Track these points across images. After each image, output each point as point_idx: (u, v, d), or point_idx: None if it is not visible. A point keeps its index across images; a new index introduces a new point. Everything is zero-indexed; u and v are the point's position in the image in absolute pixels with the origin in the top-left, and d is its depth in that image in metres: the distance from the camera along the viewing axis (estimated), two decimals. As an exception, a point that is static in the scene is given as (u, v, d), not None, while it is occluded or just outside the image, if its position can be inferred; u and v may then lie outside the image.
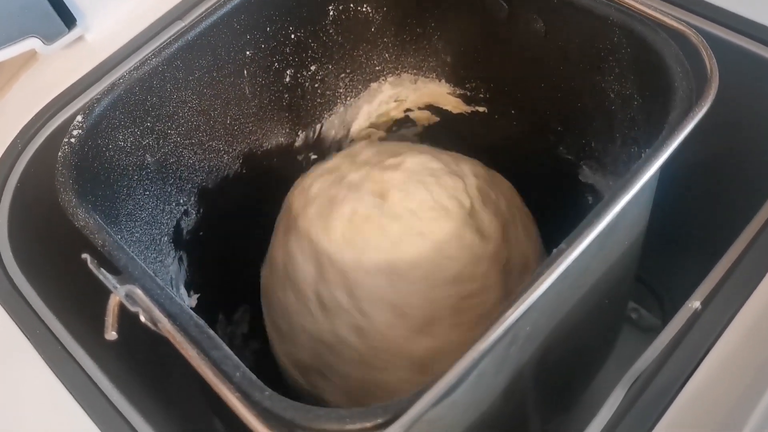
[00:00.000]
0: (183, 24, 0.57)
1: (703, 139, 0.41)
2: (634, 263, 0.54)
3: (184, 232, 0.59)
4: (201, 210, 0.60)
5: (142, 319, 0.38)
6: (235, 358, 0.37)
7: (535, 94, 0.58)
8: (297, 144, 0.65)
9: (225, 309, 0.67)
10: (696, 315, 0.39)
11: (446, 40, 0.61)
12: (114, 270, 0.42)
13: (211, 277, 0.63)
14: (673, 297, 0.69)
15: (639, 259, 0.54)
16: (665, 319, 0.70)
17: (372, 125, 0.69)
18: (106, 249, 0.42)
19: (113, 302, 0.39)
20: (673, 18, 0.44)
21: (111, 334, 0.38)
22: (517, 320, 0.34)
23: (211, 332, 0.39)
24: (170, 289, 0.57)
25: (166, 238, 0.58)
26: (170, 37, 0.52)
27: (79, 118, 0.49)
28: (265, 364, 0.63)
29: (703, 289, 0.40)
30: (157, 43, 0.56)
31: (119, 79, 0.50)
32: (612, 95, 0.51)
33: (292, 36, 0.58)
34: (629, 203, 0.38)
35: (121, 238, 0.51)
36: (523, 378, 0.47)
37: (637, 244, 0.50)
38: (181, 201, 0.58)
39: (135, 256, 0.43)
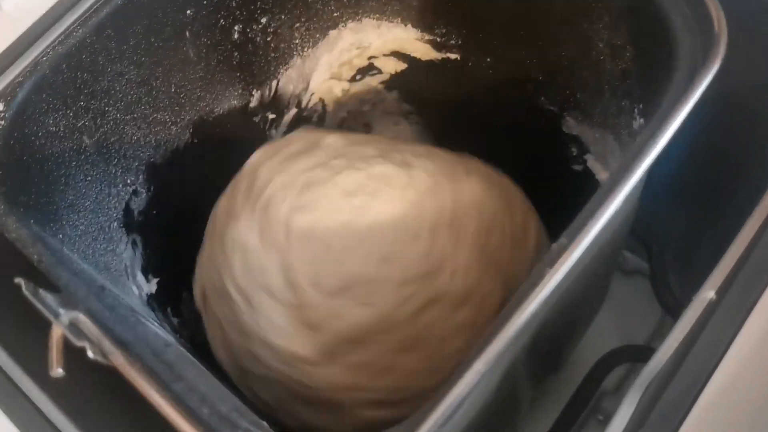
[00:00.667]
0: (110, -17, 0.50)
1: (711, 102, 0.36)
2: (629, 226, 0.50)
3: (135, 213, 0.54)
4: (151, 188, 0.55)
5: (90, 354, 0.33)
6: (203, 389, 0.33)
7: (513, 41, 0.53)
8: (252, 105, 0.60)
9: (187, 286, 0.62)
10: (712, 306, 0.35)
11: (412, -18, 0.55)
12: (54, 288, 0.37)
13: (169, 256, 0.58)
14: (659, 240, 0.66)
15: (634, 220, 0.50)
16: (652, 262, 0.67)
17: (333, 76, 0.64)
18: (43, 265, 0.37)
19: (55, 335, 0.34)
20: (672, -38, 0.39)
21: (56, 371, 0.34)
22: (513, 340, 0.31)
23: (174, 356, 0.34)
24: (125, 279, 0.53)
25: (115, 224, 0.53)
26: (97, 3, 0.45)
27: (-1, 107, 0.43)
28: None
29: (716, 276, 0.36)
30: (82, 10, 0.49)
31: (42, 57, 0.44)
32: (600, 45, 0.46)
33: (238, -13, 0.52)
34: (633, 188, 0.34)
35: (64, 236, 0.46)
36: (517, 359, 0.44)
37: (634, 210, 0.47)
38: (129, 181, 0.53)
39: (79, 266, 0.38)
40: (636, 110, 0.46)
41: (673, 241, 0.62)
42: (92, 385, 0.41)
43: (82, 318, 0.35)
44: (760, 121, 0.49)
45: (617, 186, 0.34)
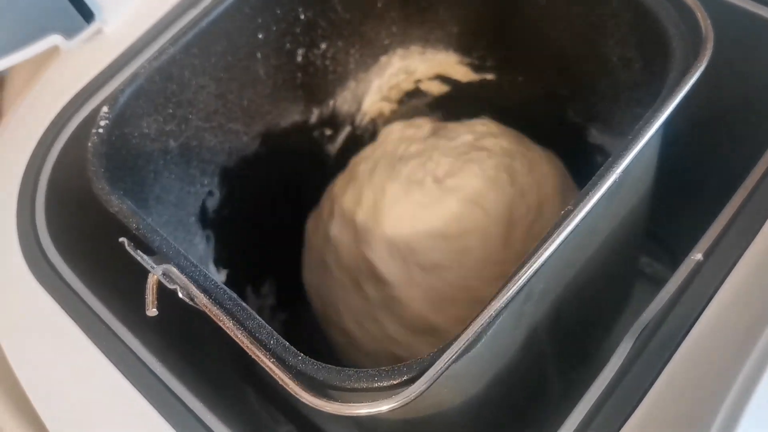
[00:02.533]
0: (196, 11, 0.59)
1: (703, 95, 0.43)
2: (642, 219, 0.56)
3: (210, 211, 0.62)
4: (224, 190, 0.62)
5: (180, 295, 0.41)
6: (269, 327, 0.40)
7: (540, 60, 0.59)
8: (312, 121, 0.67)
9: (253, 283, 0.70)
10: (698, 266, 0.41)
11: (452, 12, 0.63)
12: (148, 251, 0.44)
13: (237, 253, 0.65)
14: (685, 251, 0.71)
15: (648, 215, 0.56)
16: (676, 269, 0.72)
17: (383, 98, 0.71)
18: (140, 232, 0.45)
19: (152, 281, 0.42)
20: (668, -19, 0.45)
21: (152, 311, 0.41)
22: (530, 278, 0.37)
23: (244, 304, 0.41)
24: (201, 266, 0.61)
25: (193, 219, 0.60)
26: (185, 26, 0.54)
27: (104, 109, 0.51)
28: (294, 334, 0.66)
29: (705, 241, 0.42)
30: (173, 32, 0.58)
31: (140, 69, 0.52)
32: (614, 59, 0.53)
33: (301, 16, 0.60)
34: (633, 162, 0.40)
35: (152, 221, 0.54)
36: (540, 332, 0.49)
37: (644, 200, 0.52)
38: (205, 182, 0.61)
39: (165, 235, 0.46)
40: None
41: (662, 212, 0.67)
42: (171, 331, 0.48)
43: (173, 269, 0.42)
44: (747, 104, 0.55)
45: (620, 156, 0.40)
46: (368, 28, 0.65)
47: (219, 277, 0.63)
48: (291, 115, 0.65)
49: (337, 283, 0.64)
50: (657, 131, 0.41)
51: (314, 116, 0.67)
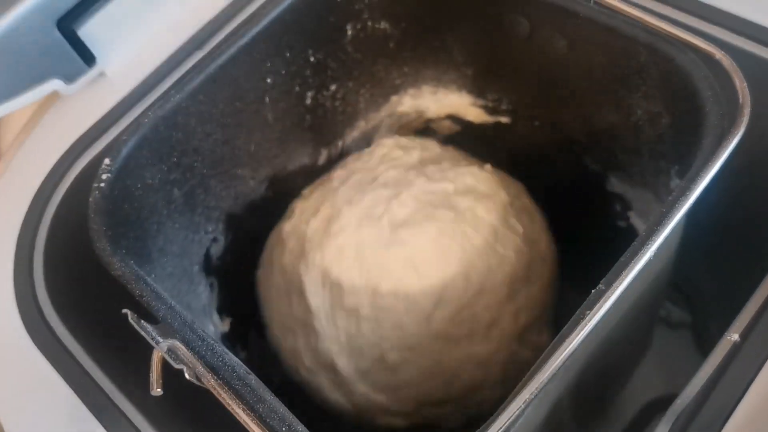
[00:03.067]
0: (202, 54, 0.57)
1: (735, 162, 0.41)
2: (667, 277, 0.54)
3: (214, 258, 0.60)
4: (230, 235, 0.60)
5: (187, 376, 0.38)
6: (281, 409, 0.38)
7: (558, 107, 0.57)
8: (320, 162, 0.65)
9: (255, 326, 0.68)
10: (735, 348, 0.39)
11: (466, 54, 0.61)
12: (153, 319, 0.42)
13: (240, 297, 0.63)
14: (701, 293, 0.69)
15: (672, 272, 0.54)
16: (693, 315, 0.70)
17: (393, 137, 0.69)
18: (144, 300, 0.43)
19: (156, 358, 0.39)
20: (701, 39, 0.43)
21: (156, 391, 0.39)
22: (554, 374, 0.35)
23: (254, 383, 0.39)
24: (204, 317, 0.59)
25: (197, 268, 0.58)
26: (191, 72, 0.52)
27: (106, 161, 0.49)
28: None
29: (741, 321, 0.40)
30: (178, 75, 0.56)
31: (143, 118, 0.50)
32: (639, 112, 0.51)
33: (311, 59, 0.58)
34: (666, 238, 0.38)
35: (155, 276, 0.52)
36: (561, 402, 0.47)
37: (671, 261, 0.50)
38: (210, 229, 0.59)
39: (172, 302, 0.43)
40: (672, 171, 0.50)
41: (714, 292, 0.65)
42: (183, 408, 0.46)
43: (179, 345, 0.40)
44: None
45: (652, 235, 0.38)
46: (379, 68, 0.63)
47: (222, 326, 0.61)
48: (299, 158, 0.63)
49: (274, 285, 0.61)
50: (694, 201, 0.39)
51: (322, 157, 0.65)
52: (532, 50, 0.54)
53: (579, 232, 0.62)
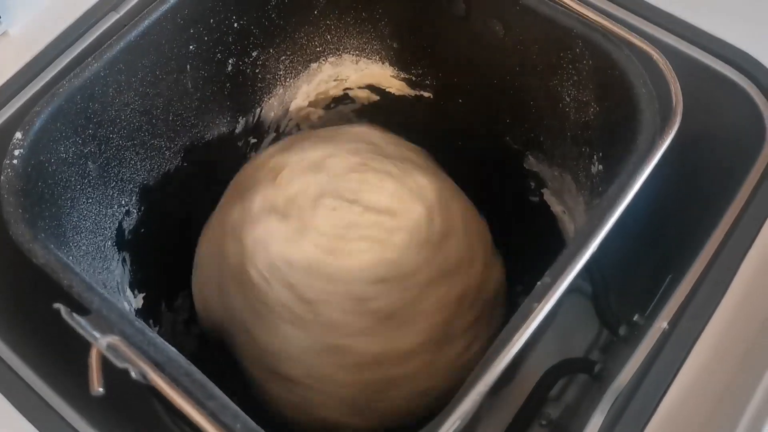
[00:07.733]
0: (117, 16, 0.52)
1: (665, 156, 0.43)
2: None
3: (126, 232, 0.57)
4: (143, 208, 0.57)
5: (133, 375, 0.37)
6: (233, 407, 0.37)
7: (486, 87, 0.58)
8: (237, 131, 0.63)
9: (167, 298, 0.65)
10: (665, 335, 0.42)
11: (394, 27, 0.60)
12: (85, 311, 0.40)
13: (152, 271, 0.61)
14: (601, 266, 0.73)
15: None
16: (594, 286, 0.74)
17: (311, 104, 0.67)
18: (74, 290, 0.40)
19: (94, 356, 0.37)
20: (640, 38, 0.45)
21: (97, 390, 0.37)
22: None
23: (203, 379, 0.38)
24: (119, 295, 0.56)
25: (109, 243, 0.55)
26: (112, 39, 0.48)
27: (18, 135, 0.45)
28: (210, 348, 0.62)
29: (669, 309, 0.43)
30: (91, 39, 0.52)
31: (59, 88, 0.46)
32: (567, 99, 0.52)
33: (235, 25, 0.55)
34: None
35: (71, 256, 0.48)
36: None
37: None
38: (123, 202, 0.56)
39: (104, 293, 0.41)
40: (595, 157, 0.52)
41: (613, 266, 0.69)
42: (126, 406, 0.44)
43: (119, 340, 0.38)
44: (699, 170, 0.56)
45: (594, 231, 0.40)
46: (302, 35, 0.61)
47: (135, 302, 0.58)
48: (217, 127, 0.60)
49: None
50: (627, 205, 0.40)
51: (240, 126, 0.63)
52: (466, 30, 0.54)
53: (491, 205, 0.63)
